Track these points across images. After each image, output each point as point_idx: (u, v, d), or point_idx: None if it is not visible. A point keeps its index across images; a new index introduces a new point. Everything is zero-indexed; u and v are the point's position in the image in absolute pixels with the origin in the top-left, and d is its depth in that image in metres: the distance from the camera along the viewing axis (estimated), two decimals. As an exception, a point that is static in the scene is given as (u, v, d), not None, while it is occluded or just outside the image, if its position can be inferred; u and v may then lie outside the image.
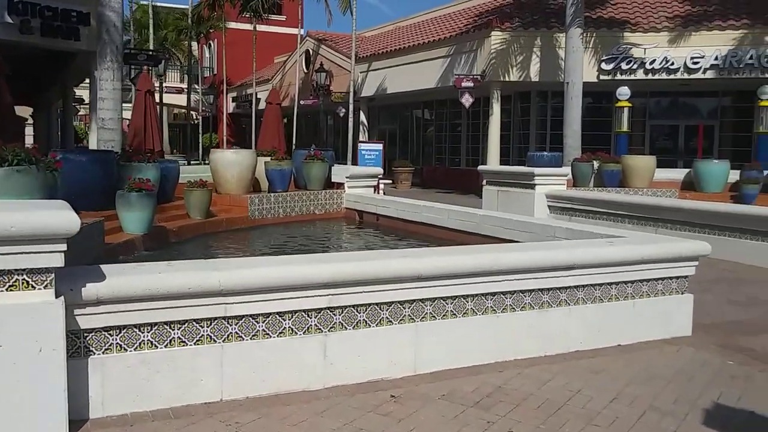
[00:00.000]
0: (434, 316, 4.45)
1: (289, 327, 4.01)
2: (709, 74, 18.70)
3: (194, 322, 3.75)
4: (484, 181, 13.88)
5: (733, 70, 18.46)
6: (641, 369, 4.61)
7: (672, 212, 10.13)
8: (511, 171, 13.45)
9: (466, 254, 4.51)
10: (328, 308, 4.10)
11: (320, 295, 4.03)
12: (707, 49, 18.61)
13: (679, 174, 14.15)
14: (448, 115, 26.69)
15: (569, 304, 4.97)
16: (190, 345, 3.75)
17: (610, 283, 5.14)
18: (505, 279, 4.65)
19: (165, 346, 3.69)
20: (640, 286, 5.28)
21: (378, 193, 13.30)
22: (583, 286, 5.02)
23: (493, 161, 20.18)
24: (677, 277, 5.46)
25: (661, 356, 4.93)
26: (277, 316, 3.97)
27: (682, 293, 5.50)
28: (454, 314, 4.52)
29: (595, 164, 13.47)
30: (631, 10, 20.23)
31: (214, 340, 3.81)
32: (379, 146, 19.48)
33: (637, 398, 4.07)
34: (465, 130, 25.83)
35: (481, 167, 14.25)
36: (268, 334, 3.95)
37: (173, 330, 3.71)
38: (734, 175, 13.20)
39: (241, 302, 3.82)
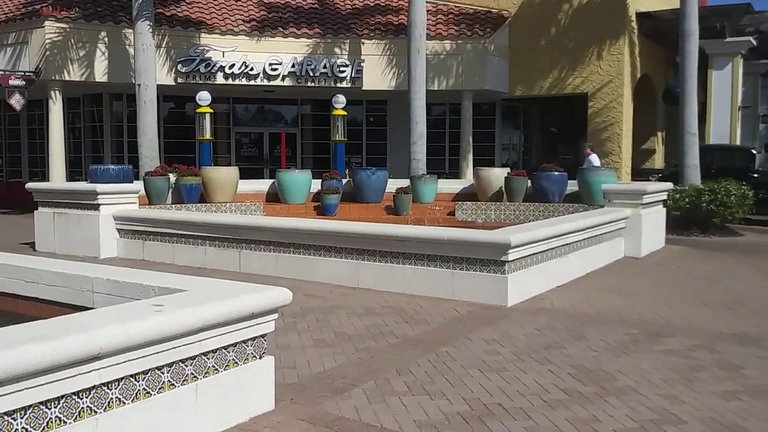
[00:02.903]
0: None
1: None
2: (288, 81, 18.63)
3: None
4: (39, 202, 11.22)
5: (309, 78, 18.69)
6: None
7: (254, 232, 9.08)
8: (67, 189, 11.01)
9: None
10: None
11: None
12: (284, 56, 18.50)
13: (264, 185, 13.40)
14: (6, 120, 22.45)
15: (95, 413, 3.26)
16: None
17: (161, 367, 3.59)
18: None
19: None
20: (204, 361, 3.84)
21: None
22: (117, 380, 3.36)
23: (58, 175, 17.11)
24: (254, 338, 4.17)
25: (235, 462, 3.56)
26: None
27: (261, 357, 4.23)
28: None
29: (172, 178, 11.85)
30: (207, 11, 19.13)
31: None
32: None
33: None
34: (24, 138, 21.98)
35: (29, 185, 11.43)
36: None
37: None
38: (317, 185, 12.91)
39: None
